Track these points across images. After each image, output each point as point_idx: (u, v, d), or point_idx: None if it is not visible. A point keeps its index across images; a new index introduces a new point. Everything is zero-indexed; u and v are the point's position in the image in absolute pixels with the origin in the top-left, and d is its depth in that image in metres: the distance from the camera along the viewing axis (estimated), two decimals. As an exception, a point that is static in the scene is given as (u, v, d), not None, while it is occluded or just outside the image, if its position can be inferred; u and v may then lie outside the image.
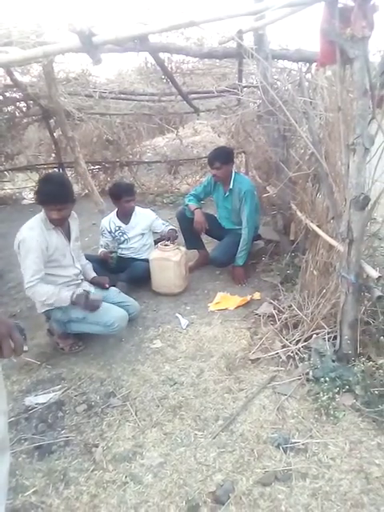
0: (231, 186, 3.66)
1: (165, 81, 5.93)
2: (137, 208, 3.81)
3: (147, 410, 2.22)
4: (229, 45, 3.66)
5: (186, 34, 5.63)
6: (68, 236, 2.76)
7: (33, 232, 2.55)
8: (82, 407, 2.27)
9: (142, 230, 3.76)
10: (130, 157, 7.86)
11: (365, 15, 1.95)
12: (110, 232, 3.75)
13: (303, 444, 1.91)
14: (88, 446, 2.00)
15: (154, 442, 2.00)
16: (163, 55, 4.76)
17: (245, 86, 5.09)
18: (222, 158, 3.58)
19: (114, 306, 2.74)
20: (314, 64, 3.21)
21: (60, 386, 2.45)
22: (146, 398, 2.30)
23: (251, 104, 4.77)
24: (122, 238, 3.74)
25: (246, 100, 4.71)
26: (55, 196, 2.52)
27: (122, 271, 3.58)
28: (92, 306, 2.63)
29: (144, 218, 3.79)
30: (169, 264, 3.42)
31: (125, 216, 3.72)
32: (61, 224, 2.66)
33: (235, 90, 4.13)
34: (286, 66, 4.19)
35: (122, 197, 3.60)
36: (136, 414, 2.18)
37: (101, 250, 3.75)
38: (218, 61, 5.54)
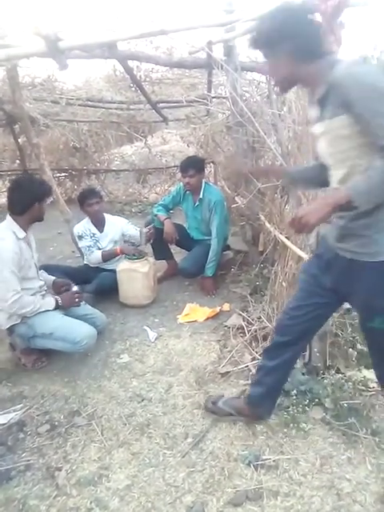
0: (201, 196, 3.64)
1: (133, 89, 5.88)
2: (107, 216, 3.73)
3: (114, 428, 2.13)
4: (198, 55, 3.66)
5: (156, 43, 5.62)
6: (30, 247, 2.66)
7: (5, 242, 2.44)
8: (45, 427, 2.15)
9: (115, 238, 3.67)
10: (98, 165, 7.75)
11: (332, 31, 1.98)
12: (90, 236, 3.63)
13: (274, 461, 1.87)
14: (50, 470, 1.89)
15: (121, 463, 1.91)
16: (132, 63, 4.71)
17: (214, 97, 5.11)
18: (196, 166, 3.57)
19: (83, 323, 2.64)
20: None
21: (21, 405, 2.32)
22: (113, 416, 2.21)
23: (220, 115, 4.78)
24: (95, 246, 3.63)
25: (215, 110, 4.72)
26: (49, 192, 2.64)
27: (88, 282, 3.48)
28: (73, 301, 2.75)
29: (115, 225, 3.71)
30: (137, 275, 3.35)
31: (97, 223, 3.63)
32: (42, 219, 2.68)
33: (204, 101, 4.14)
34: (255, 78, 4.23)
35: (86, 200, 3.52)
36: (102, 434, 2.09)
37: (92, 253, 3.58)
38: (187, 71, 5.55)
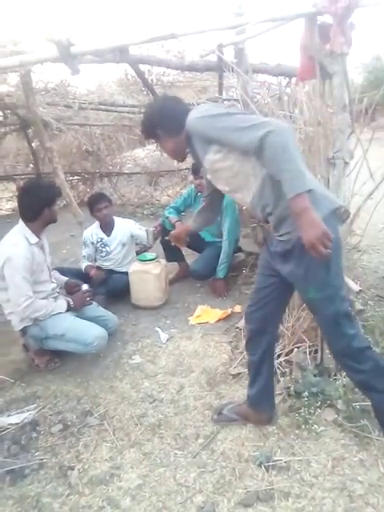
0: (213, 198, 3.65)
1: (145, 93, 5.94)
2: (116, 219, 3.76)
3: (125, 429, 2.14)
4: (209, 58, 3.68)
5: (167, 47, 5.66)
6: (43, 250, 2.69)
7: (18, 248, 2.47)
8: (58, 427, 2.18)
9: (123, 241, 3.69)
10: (110, 168, 7.81)
11: (343, 32, 1.98)
12: (92, 243, 3.69)
13: (285, 462, 1.87)
14: (63, 469, 1.91)
15: (133, 463, 1.93)
16: (143, 67, 4.76)
17: (225, 99, 5.12)
18: None
19: (94, 325, 2.67)
20: (294, 79, 3.25)
21: (35, 405, 2.36)
22: (125, 417, 2.23)
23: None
24: (104, 251, 3.67)
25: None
26: (57, 195, 2.66)
27: (100, 284, 3.51)
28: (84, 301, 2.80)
29: (123, 227, 3.74)
30: (149, 277, 3.37)
31: (105, 227, 3.67)
32: (55, 220, 2.71)
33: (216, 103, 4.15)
34: (266, 80, 4.23)
35: (95, 205, 3.56)
36: (114, 434, 2.11)
37: (84, 262, 3.68)
38: (198, 74, 5.58)
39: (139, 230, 3.76)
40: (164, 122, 1.76)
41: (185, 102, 1.90)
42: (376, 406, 1.75)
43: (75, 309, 2.74)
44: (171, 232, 3.64)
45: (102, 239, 3.66)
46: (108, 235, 3.67)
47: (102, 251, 3.69)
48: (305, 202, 1.38)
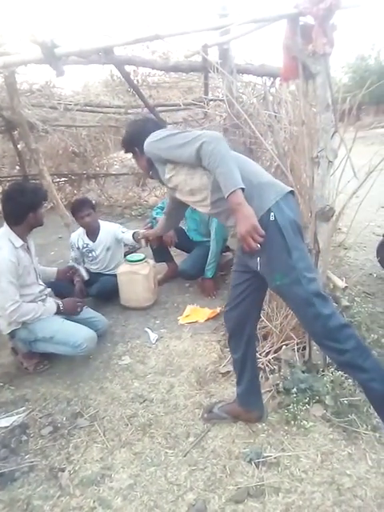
0: (200, 198, 3.66)
1: (131, 93, 5.93)
2: (102, 224, 3.72)
3: (116, 429, 2.15)
4: (194, 59, 3.69)
5: (152, 48, 5.67)
6: (29, 253, 2.67)
7: (2, 252, 2.45)
8: (48, 429, 2.17)
9: (108, 245, 3.67)
10: (97, 169, 7.78)
11: (325, 33, 2.01)
12: (78, 248, 3.67)
13: (275, 458, 1.89)
14: (54, 471, 1.91)
15: (123, 463, 1.93)
16: (129, 68, 4.75)
17: (211, 100, 5.14)
18: None
19: (83, 326, 2.66)
20: (278, 79, 3.28)
21: (24, 408, 2.35)
22: (115, 417, 2.23)
23: (217, 117, 4.82)
24: (90, 255, 3.67)
25: (212, 113, 4.76)
26: (42, 194, 2.65)
27: (90, 286, 3.50)
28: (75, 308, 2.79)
29: (108, 232, 3.70)
30: (137, 277, 3.37)
31: (90, 233, 3.65)
32: (42, 223, 2.69)
33: (201, 104, 4.17)
34: (251, 81, 4.26)
35: (77, 213, 3.52)
36: (104, 435, 2.11)
37: (71, 265, 3.67)
38: (184, 74, 5.59)
39: (123, 233, 3.71)
40: (141, 142, 1.92)
41: (163, 124, 2.18)
42: (366, 386, 1.68)
43: (65, 313, 2.73)
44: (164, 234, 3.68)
45: (87, 244, 3.64)
46: (93, 241, 3.65)
47: (88, 255, 3.69)
48: (238, 198, 1.54)
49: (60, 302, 2.72)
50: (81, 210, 3.52)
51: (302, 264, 1.63)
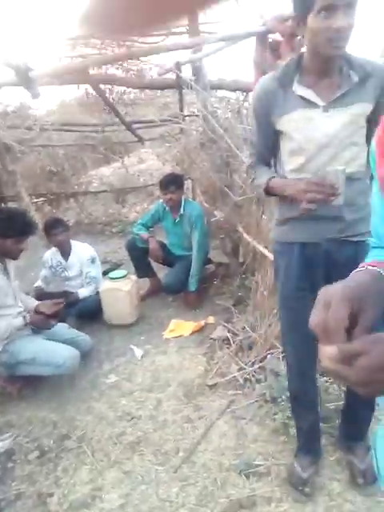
0: (182, 212, 3.70)
1: (107, 111, 5.98)
2: (74, 244, 3.65)
3: (104, 449, 2.12)
4: (168, 76, 3.76)
5: (126, 66, 5.75)
6: (7, 274, 2.64)
7: None
8: (35, 454, 2.13)
9: (80, 269, 3.60)
10: (76, 187, 7.77)
11: (292, 48, 2.09)
12: (50, 266, 3.62)
13: (265, 467, 1.89)
14: (42, 497, 1.87)
15: (114, 483, 1.91)
16: (104, 86, 4.80)
17: (186, 115, 5.22)
18: (177, 182, 3.64)
19: (64, 345, 2.62)
20: (251, 93, 3.36)
21: (9, 434, 2.29)
22: (103, 437, 2.20)
23: (194, 132, 4.89)
24: (63, 274, 3.61)
25: (188, 129, 4.82)
26: (28, 228, 2.54)
27: (70, 306, 3.46)
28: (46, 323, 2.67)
29: (81, 256, 3.61)
30: (120, 294, 3.36)
31: (63, 251, 3.59)
32: (16, 257, 2.61)
33: (177, 119, 4.24)
34: (225, 96, 4.35)
35: (49, 231, 3.47)
36: (93, 455, 2.08)
37: (38, 283, 3.64)
38: (159, 91, 5.68)
39: (93, 271, 3.60)
40: None
41: None
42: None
43: (33, 326, 2.66)
44: (150, 248, 3.68)
45: (60, 262, 3.60)
46: (66, 260, 3.60)
47: (61, 275, 3.62)
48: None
49: (27, 315, 2.63)
50: (54, 227, 3.46)
51: None
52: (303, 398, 1.80)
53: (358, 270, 0.75)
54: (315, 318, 0.60)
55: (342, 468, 1.85)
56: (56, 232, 3.46)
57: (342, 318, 0.58)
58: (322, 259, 1.55)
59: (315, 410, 1.82)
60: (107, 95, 5.15)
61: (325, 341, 0.58)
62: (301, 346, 1.66)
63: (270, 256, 2.67)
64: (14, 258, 2.61)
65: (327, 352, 0.56)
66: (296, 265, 1.59)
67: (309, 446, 1.86)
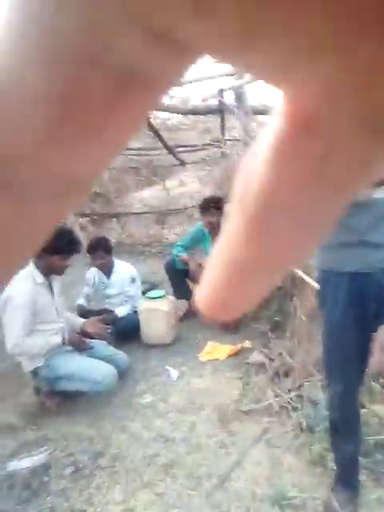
0: (222, 234, 3.72)
1: (151, 136, 6.18)
2: (117, 263, 3.72)
3: (137, 469, 2.12)
4: (211, 102, 3.86)
5: (171, 93, 5.94)
6: (51, 291, 2.74)
7: (22, 286, 2.49)
8: (70, 469, 2.16)
9: (121, 288, 3.66)
10: (119, 208, 8.00)
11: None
12: (93, 284, 3.71)
13: (301, 500, 1.83)
14: (75, 513, 1.89)
15: (146, 505, 1.90)
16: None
17: (228, 140, 5.31)
18: (218, 204, 3.68)
19: (103, 363, 2.68)
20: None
21: (46, 448, 2.35)
22: (137, 457, 2.21)
23: (234, 156, 4.96)
24: (105, 292, 3.68)
25: (229, 152, 4.90)
26: (73, 246, 2.64)
27: (110, 324, 3.53)
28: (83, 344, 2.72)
29: (121, 275, 3.68)
30: (158, 314, 3.40)
31: (104, 271, 3.65)
32: (61, 274, 2.70)
33: (219, 143, 4.32)
34: (266, 121, 4.40)
35: (90, 254, 3.55)
36: (126, 475, 2.09)
37: (80, 300, 3.72)
38: (201, 116, 5.82)
39: (132, 290, 3.67)
40: None
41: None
42: None
43: (72, 346, 2.72)
44: (191, 269, 3.71)
45: (103, 282, 3.67)
46: (108, 278, 3.66)
47: (102, 292, 3.68)
48: None
49: (66, 336, 2.71)
50: (97, 251, 3.52)
51: None
52: (344, 428, 1.74)
53: None
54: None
55: (383, 507, 1.75)
56: (98, 255, 3.53)
57: None
58: (373, 289, 1.51)
59: (356, 440, 1.76)
60: (152, 120, 5.32)
61: None
62: (345, 375, 1.62)
63: (310, 281, 2.63)
64: (59, 273, 2.71)
65: None
66: (345, 294, 1.54)
67: (348, 479, 1.78)
